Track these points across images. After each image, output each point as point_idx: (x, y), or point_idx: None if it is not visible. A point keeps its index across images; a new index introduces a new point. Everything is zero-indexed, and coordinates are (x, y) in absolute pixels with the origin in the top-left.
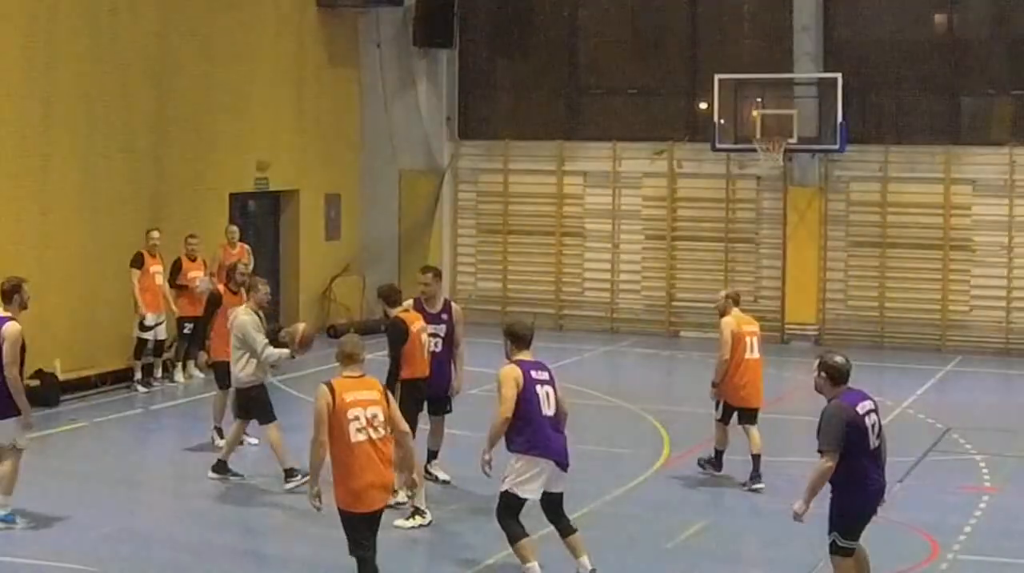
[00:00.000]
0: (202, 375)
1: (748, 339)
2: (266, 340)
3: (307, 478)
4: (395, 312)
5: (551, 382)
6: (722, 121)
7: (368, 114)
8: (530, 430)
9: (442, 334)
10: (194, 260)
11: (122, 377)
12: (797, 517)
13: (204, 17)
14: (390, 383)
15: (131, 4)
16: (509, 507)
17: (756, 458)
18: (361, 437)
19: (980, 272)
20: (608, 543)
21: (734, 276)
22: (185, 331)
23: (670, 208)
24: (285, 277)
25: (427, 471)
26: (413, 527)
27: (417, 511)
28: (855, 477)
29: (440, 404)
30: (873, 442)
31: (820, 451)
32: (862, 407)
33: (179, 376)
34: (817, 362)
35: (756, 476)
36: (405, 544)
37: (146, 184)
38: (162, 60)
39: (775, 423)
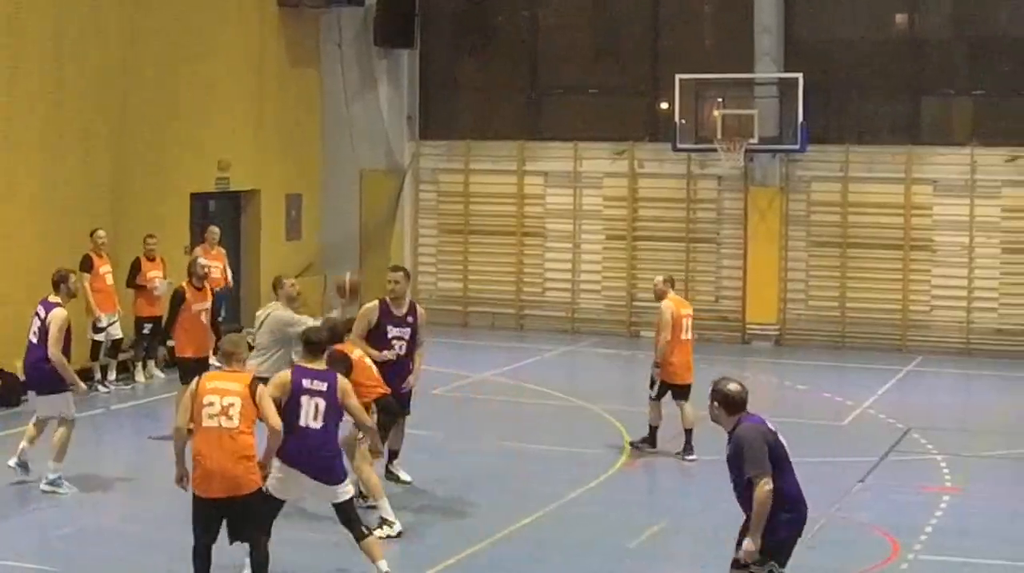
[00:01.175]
0: (163, 375)
1: (684, 321)
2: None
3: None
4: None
5: (324, 394)
6: (683, 121)
7: (329, 114)
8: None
9: (406, 338)
10: (152, 260)
11: (83, 377)
12: (751, 556)
13: (165, 17)
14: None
15: (93, 4)
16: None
17: (688, 432)
18: (212, 423)
19: (941, 272)
20: (569, 543)
21: (695, 276)
22: (145, 331)
23: (631, 208)
24: (246, 277)
25: (388, 471)
26: (380, 538)
27: (384, 521)
28: (787, 498)
29: (401, 406)
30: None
31: (751, 479)
32: (772, 424)
33: (140, 376)
34: (711, 390)
35: (689, 448)
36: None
37: (107, 184)
38: (123, 59)
39: None
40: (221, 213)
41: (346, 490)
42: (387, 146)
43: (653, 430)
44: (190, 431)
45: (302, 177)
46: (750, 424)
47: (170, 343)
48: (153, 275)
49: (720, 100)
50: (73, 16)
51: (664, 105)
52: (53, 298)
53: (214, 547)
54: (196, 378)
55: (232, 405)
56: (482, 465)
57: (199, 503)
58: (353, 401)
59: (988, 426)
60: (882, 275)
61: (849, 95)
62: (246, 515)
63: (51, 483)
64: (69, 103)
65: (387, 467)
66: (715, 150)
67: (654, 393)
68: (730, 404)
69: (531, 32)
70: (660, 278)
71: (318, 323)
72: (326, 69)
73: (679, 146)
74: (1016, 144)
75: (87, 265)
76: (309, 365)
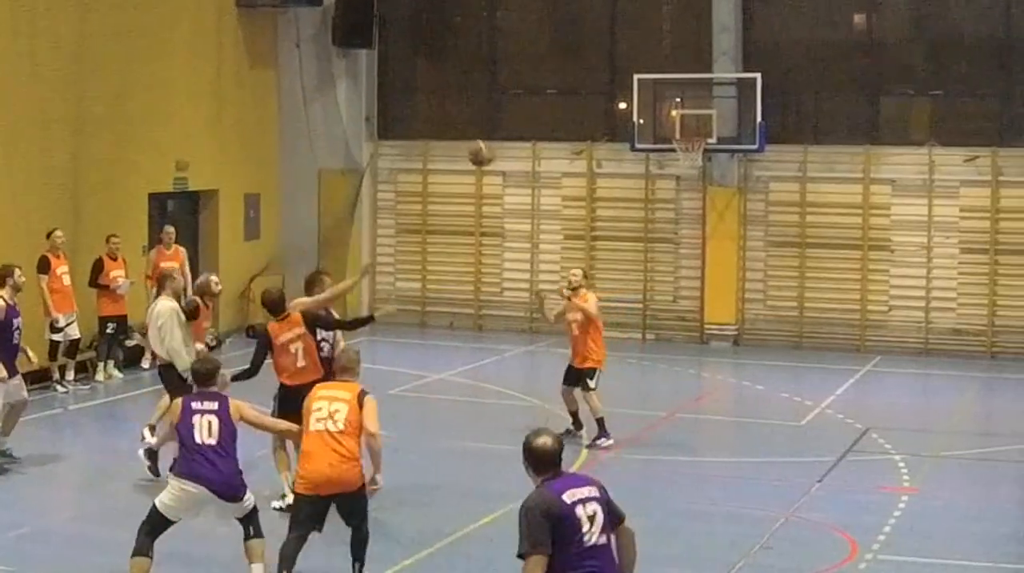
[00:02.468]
0: (121, 375)
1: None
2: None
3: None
4: (272, 321)
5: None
6: (641, 121)
7: (287, 114)
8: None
9: (330, 341)
10: (115, 259)
11: (42, 377)
12: None
13: (122, 17)
14: (238, 377)
15: (48, 4)
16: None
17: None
18: (319, 426)
19: (899, 272)
20: None
21: (653, 276)
22: (108, 331)
23: (589, 208)
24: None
25: None
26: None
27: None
28: None
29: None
30: (588, 539)
31: (520, 556)
32: (571, 495)
33: (99, 375)
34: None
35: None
36: (318, 547)
37: (64, 185)
38: (80, 60)
39: (694, 423)
40: (179, 213)
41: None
42: (345, 146)
43: (600, 421)
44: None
45: (260, 177)
46: (539, 490)
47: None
48: (116, 274)
49: (678, 100)
50: (28, 16)
51: (622, 105)
52: None
53: (225, 535)
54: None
55: (338, 410)
56: (441, 465)
57: (306, 500)
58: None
59: (946, 426)
60: (840, 275)
61: (807, 95)
62: (352, 509)
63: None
64: (25, 104)
65: None
66: (673, 150)
67: (594, 383)
68: (535, 462)
69: (489, 32)
70: (579, 271)
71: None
72: (284, 69)
73: (637, 146)
74: (974, 144)
75: (44, 266)
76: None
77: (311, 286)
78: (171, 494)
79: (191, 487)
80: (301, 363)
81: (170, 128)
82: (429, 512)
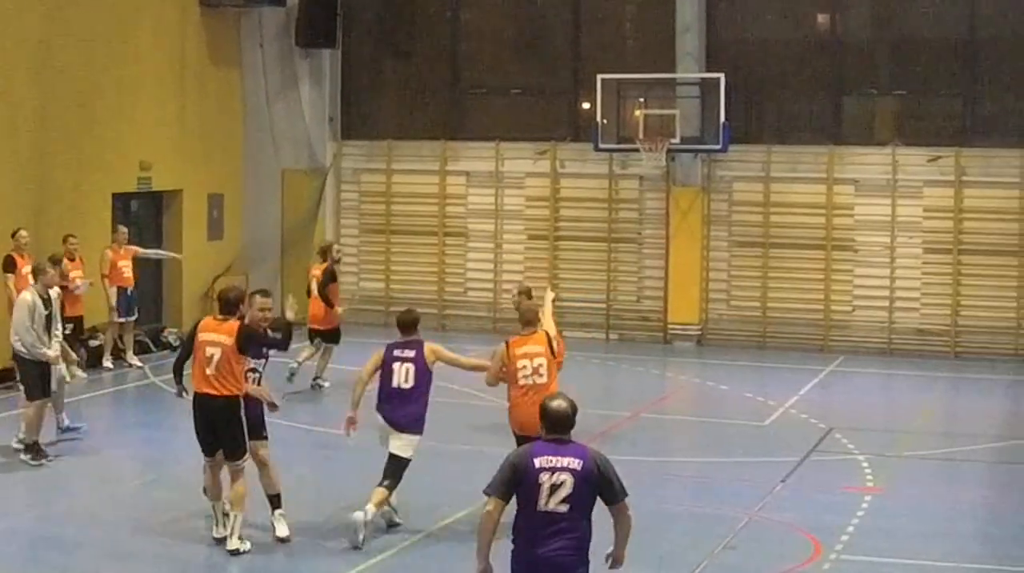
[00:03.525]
0: (84, 374)
1: None
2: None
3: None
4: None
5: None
6: (605, 121)
7: (251, 114)
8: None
9: (260, 370)
10: (73, 260)
11: (5, 377)
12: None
13: (86, 17)
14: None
15: (14, 5)
16: None
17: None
18: (527, 382)
19: (862, 272)
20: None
21: (617, 276)
22: (66, 332)
23: (553, 208)
24: (168, 277)
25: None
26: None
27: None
28: (517, 536)
29: (256, 429)
30: (544, 504)
31: (485, 492)
32: (543, 461)
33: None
34: None
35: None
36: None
37: (28, 185)
38: (44, 59)
39: (657, 423)
40: (143, 213)
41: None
42: (309, 146)
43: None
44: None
45: (224, 177)
46: (526, 447)
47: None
48: (74, 275)
49: (642, 100)
50: None
51: (586, 105)
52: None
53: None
54: (504, 343)
55: (541, 366)
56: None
57: (521, 440)
58: None
59: (910, 426)
60: (804, 275)
61: (771, 95)
62: None
63: None
64: None
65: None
66: (637, 150)
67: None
68: (545, 423)
69: (453, 32)
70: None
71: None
72: (248, 69)
73: (601, 146)
74: (938, 144)
75: (10, 265)
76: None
77: (238, 303)
78: (378, 425)
79: (383, 422)
80: (210, 371)
81: (134, 128)
82: (399, 510)
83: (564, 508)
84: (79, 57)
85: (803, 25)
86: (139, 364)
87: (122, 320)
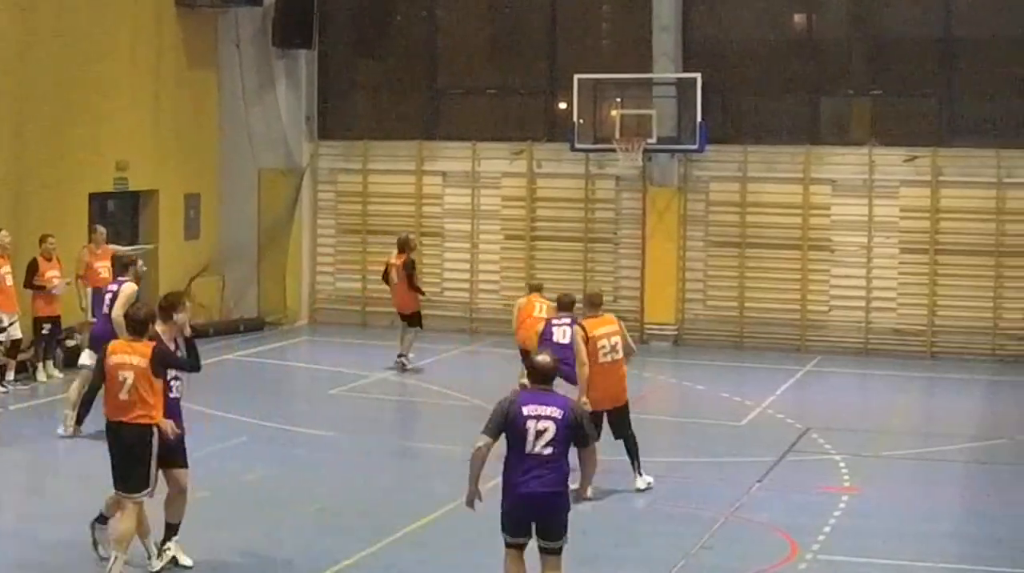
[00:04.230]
0: (61, 375)
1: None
2: None
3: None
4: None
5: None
6: (581, 121)
7: (227, 114)
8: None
9: (183, 378)
10: (50, 260)
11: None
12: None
13: (62, 17)
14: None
15: None
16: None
17: None
18: (606, 359)
19: (839, 272)
20: (468, 542)
21: (593, 276)
22: (44, 332)
23: (529, 208)
24: (144, 277)
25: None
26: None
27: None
28: (506, 474)
29: (176, 455)
30: (531, 446)
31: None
32: (531, 409)
33: (40, 375)
34: None
35: None
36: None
37: (5, 185)
38: (21, 59)
39: (634, 423)
40: (120, 213)
41: None
42: (285, 146)
43: None
44: None
45: (200, 177)
46: (516, 394)
47: None
48: (51, 275)
49: (618, 100)
50: None
51: (562, 105)
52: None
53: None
54: (582, 328)
55: (617, 343)
56: (380, 464)
57: (595, 416)
58: None
59: (886, 426)
60: (781, 275)
61: (747, 95)
62: (623, 418)
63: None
64: None
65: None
66: (613, 150)
67: None
68: (531, 374)
69: (429, 32)
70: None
71: None
72: (224, 69)
73: (577, 146)
74: (914, 144)
75: None
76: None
77: (148, 322)
78: None
79: None
80: (123, 397)
81: (111, 128)
82: (370, 512)
83: (548, 450)
84: (56, 57)
85: (780, 25)
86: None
87: (95, 320)
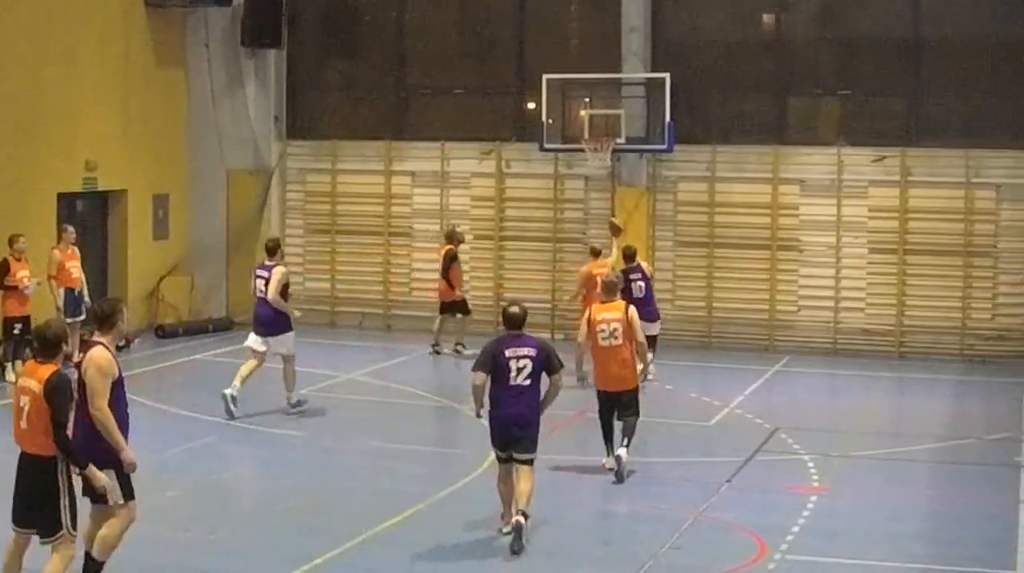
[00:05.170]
0: None
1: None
2: None
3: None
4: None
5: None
6: (550, 121)
7: (196, 114)
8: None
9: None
10: (19, 260)
11: None
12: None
13: (31, 16)
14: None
15: None
16: None
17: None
18: (606, 343)
19: (808, 272)
20: (435, 543)
21: (562, 276)
22: (15, 332)
23: (498, 208)
24: (113, 277)
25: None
26: None
27: None
28: (492, 402)
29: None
30: (513, 379)
31: (472, 369)
32: (511, 352)
33: (10, 375)
34: None
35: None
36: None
37: None
38: None
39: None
40: (88, 213)
41: None
42: (254, 146)
43: None
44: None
45: (169, 177)
46: (498, 339)
47: None
48: (22, 275)
49: (587, 100)
50: None
51: (531, 105)
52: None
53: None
54: (590, 309)
55: (616, 329)
56: (350, 465)
57: (602, 394)
58: None
59: (855, 426)
60: (749, 275)
61: (716, 95)
62: (628, 403)
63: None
64: None
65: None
66: (582, 150)
67: None
68: (506, 323)
69: (398, 32)
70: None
71: None
72: (193, 69)
73: (546, 146)
74: (883, 144)
75: None
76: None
77: (59, 342)
78: None
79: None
80: (23, 425)
81: (79, 128)
82: (339, 511)
83: (526, 382)
84: (24, 57)
85: (748, 25)
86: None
87: (70, 320)
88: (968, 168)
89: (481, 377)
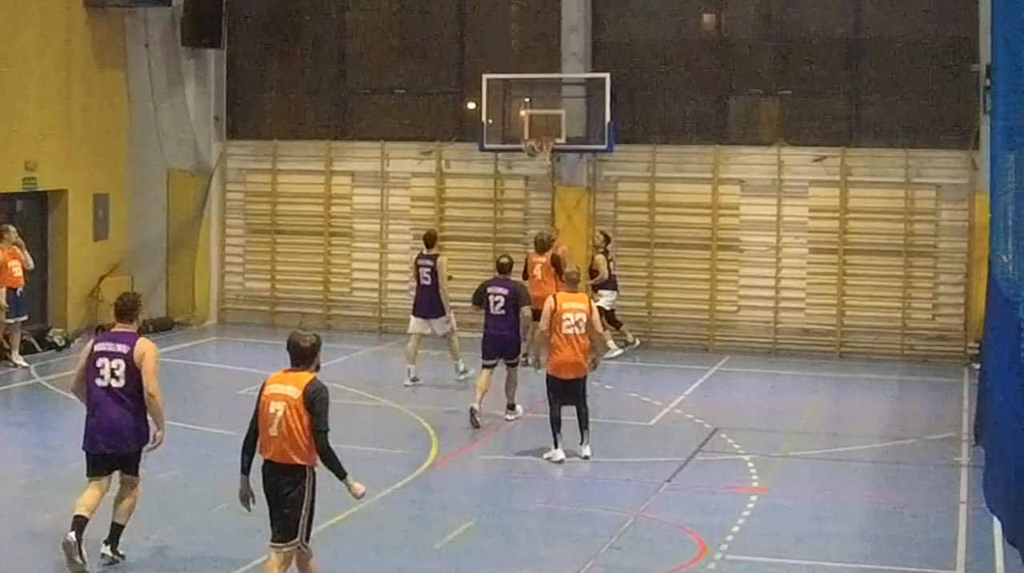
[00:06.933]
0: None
1: None
2: None
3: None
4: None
5: None
6: (490, 121)
7: (136, 114)
8: None
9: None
10: None
11: None
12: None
13: None
14: None
15: None
16: None
17: None
18: (569, 332)
19: (748, 272)
20: (376, 543)
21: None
22: None
23: (438, 208)
24: (53, 277)
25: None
26: None
27: None
28: (485, 325)
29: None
30: (493, 309)
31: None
32: (492, 289)
33: None
34: None
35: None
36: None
37: None
38: None
39: (543, 422)
40: (28, 213)
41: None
42: (194, 146)
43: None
44: None
45: (109, 177)
46: (485, 281)
47: None
48: None
49: (527, 100)
50: None
51: (471, 105)
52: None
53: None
54: (553, 299)
55: (581, 319)
56: None
57: (555, 381)
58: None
59: (795, 426)
60: (689, 275)
61: (656, 95)
62: (580, 390)
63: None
64: None
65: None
66: (522, 150)
67: None
68: (497, 267)
69: (339, 32)
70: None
71: None
72: (133, 69)
73: (486, 146)
74: (823, 144)
75: None
76: None
77: (132, 310)
78: None
79: None
80: (273, 432)
81: (19, 128)
82: None
83: (503, 311)
84: None
85: (688, 25)
86: (24, 364)
87: (11, 320)
88: (908, 168)
89: (478, 309)
